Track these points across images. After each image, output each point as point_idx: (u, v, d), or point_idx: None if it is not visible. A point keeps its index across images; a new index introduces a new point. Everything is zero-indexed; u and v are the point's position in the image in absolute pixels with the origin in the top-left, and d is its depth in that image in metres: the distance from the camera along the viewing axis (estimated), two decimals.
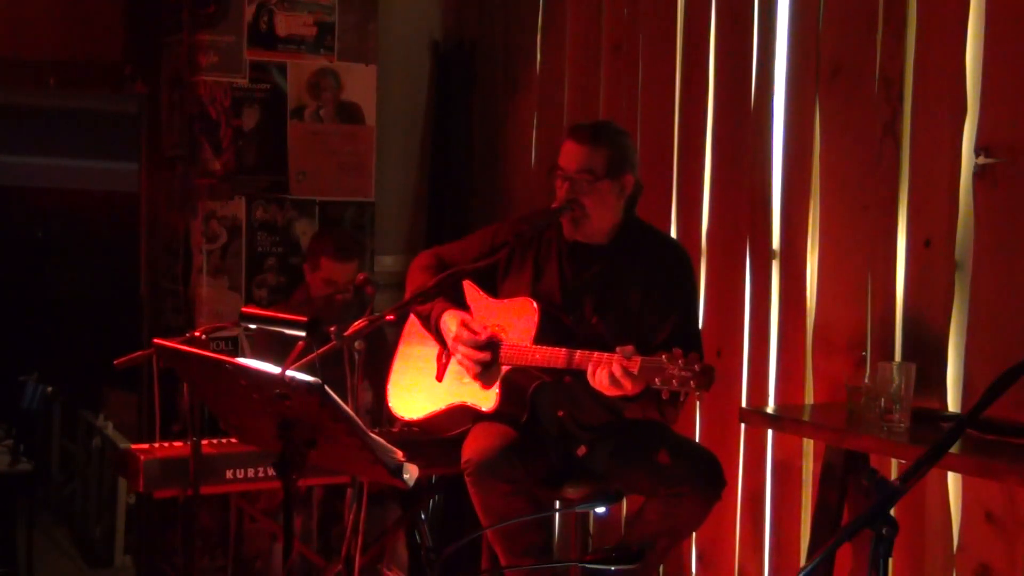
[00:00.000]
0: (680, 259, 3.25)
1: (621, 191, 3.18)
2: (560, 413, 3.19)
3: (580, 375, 3.03)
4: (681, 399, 2.73)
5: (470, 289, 3.33)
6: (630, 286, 3.15)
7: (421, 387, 3.35)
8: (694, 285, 3.29)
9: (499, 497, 3.05)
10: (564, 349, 3.00)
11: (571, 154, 3.16)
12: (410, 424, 3.40)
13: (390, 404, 3.44)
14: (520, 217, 3.30)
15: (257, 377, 2.33)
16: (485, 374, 3.19)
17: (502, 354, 3.16)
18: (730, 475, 3.63)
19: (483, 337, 3.17)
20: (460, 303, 3.31)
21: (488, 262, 3.19)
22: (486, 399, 3.16)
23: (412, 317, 3.45)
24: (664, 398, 2.74)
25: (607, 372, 2.83)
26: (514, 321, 3.18)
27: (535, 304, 3.15)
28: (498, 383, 3.14)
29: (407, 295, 3.28)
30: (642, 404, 2.95)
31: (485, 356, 3.16)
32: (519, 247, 3.27)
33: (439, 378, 3.30)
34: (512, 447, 3.09)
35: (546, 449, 3.21)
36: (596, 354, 2.89)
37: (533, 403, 3.16)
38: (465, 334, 3.17)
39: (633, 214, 3.28)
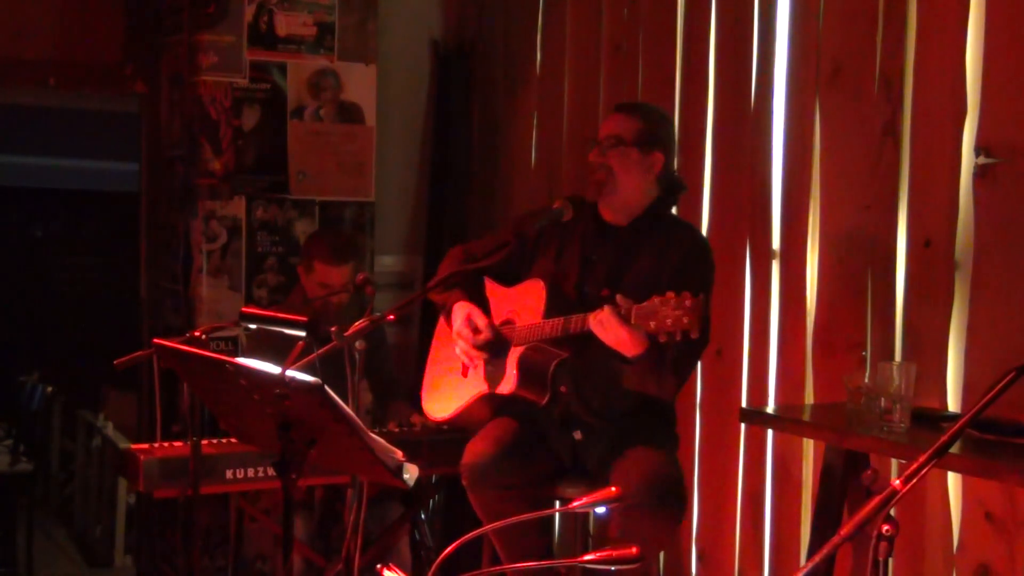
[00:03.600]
0: (695, 242, 3.22)
1: (648, 166, 3.17)
2: (563, 388, 3.19)
3: (580, 347, 3.05)
4: (678, 339, 2.71)
5: (489, 284, 3.37)
6: (641, 261, 3.15)
7: (448, 386, 3.37)
8: (708, 270, 3.21)
9: (494, 501, 3.09)
10: (565, 317, 3.01)
11: (607, 124, 3.25)
12: (442, 424, 3.42)
13: (425, 408, 3.45)
14: (526, 211, 3.30)
15: (257, 377, 2.33)
16: (492, 367, 3.21)
17: (515, 336, 3.18)
18: (730, 475, 3.64)
19: (485, 334, 3.19)
20: (480, 297, 3.34)
21: (490, 261, 3.20)
22: (505, 382, 3.18)
23: (441, 321, 3.48)
24: (662, 341, 2.73)
25: (600, 316, 2.85)
26: (525, 302, 3.20)
27: (542, 283, 3.18)
28: (515, 365, 3.15)
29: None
30: (640, 369, 2.94)
31: (481, 354, 3.20)
32: (541, 239, 3.28)
33: (464, 374, 3.33)
34: (508, 451, 3.10)
35: (549, 440, 3.22)
36: (592, 312, 2.91)
37: (553, 381, 3.16)
38: (465, 331, 3.21)
39: (665, 207, 3.27)
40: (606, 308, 2.84)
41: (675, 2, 3.92)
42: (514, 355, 3.17)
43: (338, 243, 3.96)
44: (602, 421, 3.19)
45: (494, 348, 3.21)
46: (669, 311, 2.70)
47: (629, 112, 3.23)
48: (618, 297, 2.84)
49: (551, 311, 3.11)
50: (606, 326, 2.85)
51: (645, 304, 2.76)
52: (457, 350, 3.26)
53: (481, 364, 3.25)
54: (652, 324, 2.73)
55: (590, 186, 3.18)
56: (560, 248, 3.26)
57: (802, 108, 3.38)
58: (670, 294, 2.71)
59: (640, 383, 3.02)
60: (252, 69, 4.54)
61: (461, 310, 3.26)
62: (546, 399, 3.14)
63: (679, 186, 3.30)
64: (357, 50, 4.70)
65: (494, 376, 3.23)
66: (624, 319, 2.80)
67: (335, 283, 3.85)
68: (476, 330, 3.21)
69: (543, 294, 3.15)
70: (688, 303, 2.68)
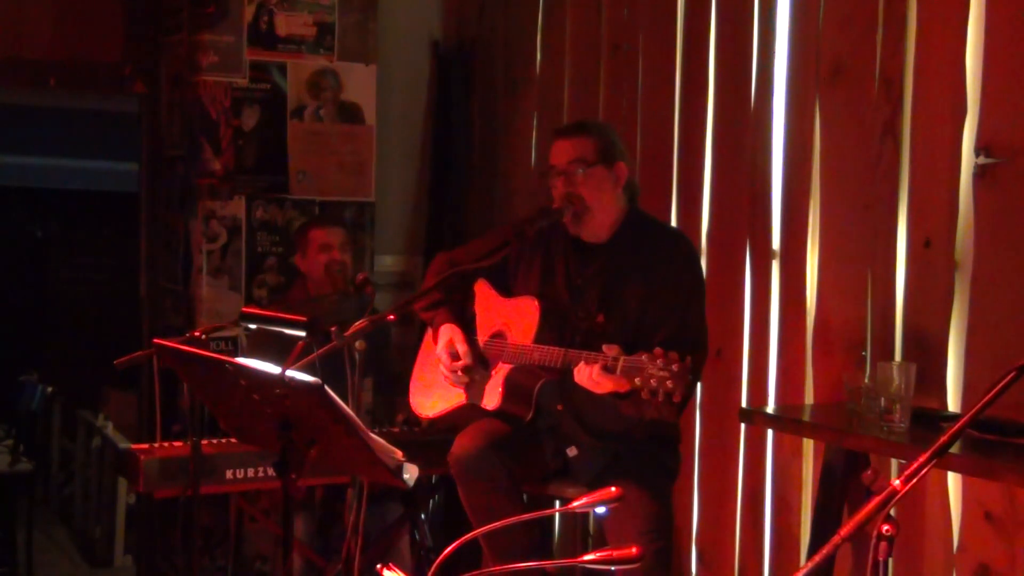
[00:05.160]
0: (681, 252, 3.19)
1: (616, 180, 3.17)
2: (559, 407, 3.20)
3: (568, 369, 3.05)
4: (660, 399, 2.71)
5: (483, 288, 3.36)
6: (631, 282, 3.13)
7: (437, 384, 3.38)
8: (697, 278, 3.20)
9: (480, 494, 3.10)
10: (560, 348, 3.01)
11: (560, 150, 3.19)
12: (429, 420, 3.45)
13: (411, 400, 3.47)
14: (525, 217, 3.30)
15: (257, 377, 2.33)
16: (479, 378, 3.23)
17: (505, 352, 3.19)
18: (730, 475, 3.64)
19: (464, 361, 3.22)
20: (470, 304, 3.36)
21: (490, 262, 3.19)
22: (490, 398, 3.19)
23: (429, 330, 3.49)
24: (644, 398, 2.73)
25: (588, 370, 2.86)
26: (518, 320, 3.20)
27: (537, 303, 3.17)
28: (501, 382, 3.16)
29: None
30: (634, 400, 2.92)
31: (462, 379, 3.23)
32: (527, 247, 3.27)
33: None
34: (496, 446, 3.11)
35: (542, 447, 3.22)
36: (587, 353, 2.90)
37: (538, 401, 3.16)
38: (444, 356, 3.24)
39: (636, 209, 3.26)
40: (596, 365, 2.83)
41: (675, 2, 3.92)
42: (501, 372, 3.18)
43: (325, 212, 4.30)
44: (598, 440, 3.18)
45: (473, 373, 3.24)
46: (655, 370, 2.69)
47: (577, 133, 3.20)
48: (610, 348, 2.82)
49: (543, 334, 3.11)
50: (588, 384, 2.87)
51: (632, 357, 2.75)
52: (442, 373, 3.30)
53: (461, 385, 3.27)
54: (637, 380, 2.73)
55: (566, 220, 3.14)
56: (545, 271, 3.25)
57: (802, 108, 3.38)
58: (658, 351, 2.70)
59: (637, 411, 3.03)
60: (252, 69, 4.54)
61: (444, 334, 3.28)
62: (530, 416, 3.15)
63: (637, 189, 3.31)
64: (357, 50, 4.70)
65: (481, 388, 3.24)
66: (610, 371, 2.80)
67: (333, 242, 3.95)
68: (455, 356, 3.23)
69: (536, 316, 3.14)
70: (675, 367, 2.67)
